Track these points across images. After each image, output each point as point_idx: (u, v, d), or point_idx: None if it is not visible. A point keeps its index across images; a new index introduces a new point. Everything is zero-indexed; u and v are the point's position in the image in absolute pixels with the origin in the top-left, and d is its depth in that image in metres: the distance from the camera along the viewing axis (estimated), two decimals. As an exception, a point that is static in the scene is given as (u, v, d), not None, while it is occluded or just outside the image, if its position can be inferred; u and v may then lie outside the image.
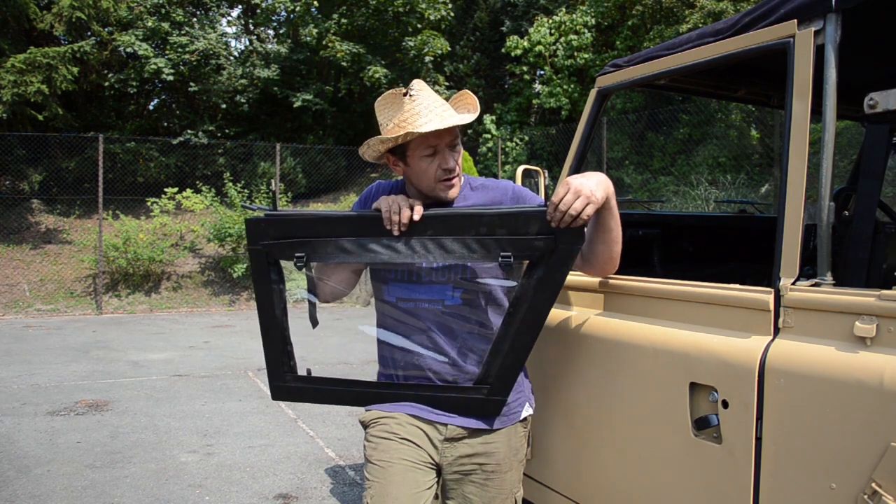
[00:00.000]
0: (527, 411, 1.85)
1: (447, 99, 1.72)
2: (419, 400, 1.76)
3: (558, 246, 1.52)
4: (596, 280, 1.91)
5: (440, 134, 1.64)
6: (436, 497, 1.80)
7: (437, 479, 1.78)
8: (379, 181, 1.89)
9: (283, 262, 1.74)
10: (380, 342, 1.85)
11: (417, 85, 1.68)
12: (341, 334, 8.32)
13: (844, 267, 1.82)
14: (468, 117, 1.66)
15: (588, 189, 1.50)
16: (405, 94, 1.67)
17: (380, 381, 1.85)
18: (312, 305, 1.77)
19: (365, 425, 1.84)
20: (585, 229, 1.57)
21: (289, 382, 1.84)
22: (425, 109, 1.63)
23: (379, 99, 1.74)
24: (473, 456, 1.76)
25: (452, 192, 1.72)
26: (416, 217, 1.57)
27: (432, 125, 1.59)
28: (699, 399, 1.61)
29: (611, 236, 1.65)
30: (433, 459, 1.75)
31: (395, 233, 1.58)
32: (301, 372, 1.83)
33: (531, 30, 15.31)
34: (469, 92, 1.73)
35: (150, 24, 14.59)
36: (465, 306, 1.72)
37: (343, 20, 15.54)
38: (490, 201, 1.75)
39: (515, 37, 15.42)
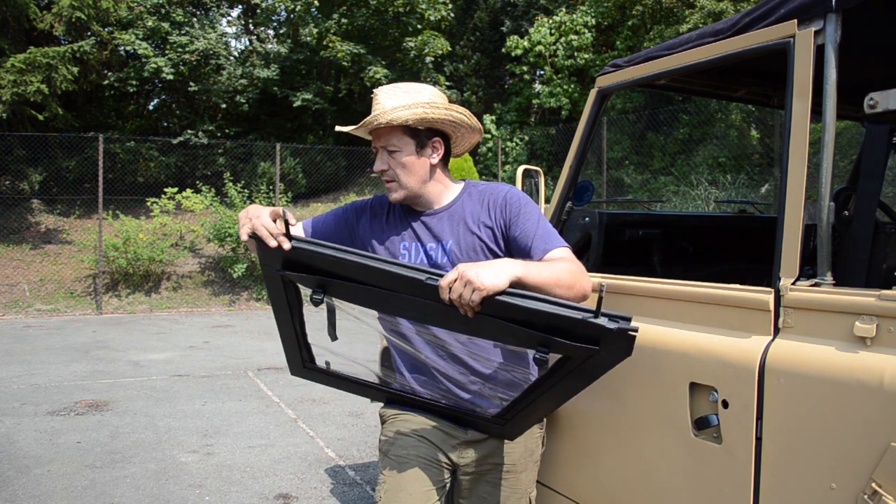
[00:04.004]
0: None
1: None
2: (438, 414, 1.76)
3: (600, 353, 1.34)
4: (595, 281, 1.91)
5: (375, 136, 1.72)
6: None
7: (450, 479, 1.79)
8: (378, 195, 1.90)
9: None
10: (393, 354, 1.84)
11: (385, 87, 1.75)
12: (343, 333, 8.31)
13: (844, 267, 1.82)
14: (376, 119, 1.64)
15: (475, 275, 1.34)
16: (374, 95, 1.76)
17: (399, 388, 1.84)
18: (332, 316, 1.65)
19: (383, 420, 1.85)
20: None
21: (307, 368, 1.83)
22: (375, 108, 1.71)
23: None
24: (490, 456, 1.77)
25: (391, 196, 1.76)
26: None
27: (368, 120, 1.69)
28: (699, 399, 1.61)
29: (546, 291, 1.46)
30: (449, 459, 1.76)
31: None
32: (320, 363, 1.82)
33: (531, 30, 15.31)
34: (458, 109, 1.72)
35: (150, 23, 14.60)
36: None
37: (343, 20, 15.54)
38: (480, 206, 1.75)
39: (515, 37, 15.42)
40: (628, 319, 1.28)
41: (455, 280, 1.34)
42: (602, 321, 1.27)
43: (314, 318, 1.82)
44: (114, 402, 5.42)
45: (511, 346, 1.66)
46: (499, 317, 1.36)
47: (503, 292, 1.34)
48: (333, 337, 1.66)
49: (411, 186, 1.72)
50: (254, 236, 1.49)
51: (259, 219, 1.49)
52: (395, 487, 1.70)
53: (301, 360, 1.80)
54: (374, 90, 1.75)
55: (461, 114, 1.72)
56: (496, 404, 1.71)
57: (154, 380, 6.25)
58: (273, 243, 1.47)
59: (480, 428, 1.75)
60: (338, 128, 1.78)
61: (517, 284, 1.38)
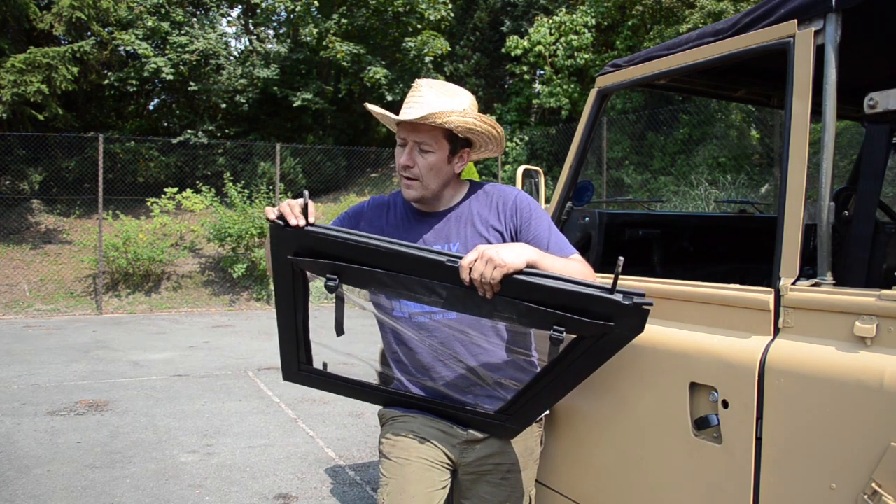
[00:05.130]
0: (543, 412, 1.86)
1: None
2: (438, 414, 1.76)
3: (614, 330, 1.39)
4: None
5: (410, 129, 1.66)
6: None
7: (451, 480, 1.78)
8: (374, 196, 1.88)
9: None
10: (391, 355, 1.83)
11: (428, 81, 1.72)
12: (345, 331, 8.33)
13: (844, 267, 1.82)
14: (434, 117, 1.60)
15: (496, 253, 1.39)
16: (416, 87, 1.72)
17: (397, 388, 1.83)
18: (340, 311, 1.63)
19: (383, 421, 1.84)
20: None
21: (302, 371, 1.81)
22: (413, 101, 1.67)
23: None
24: (491, 456, 1.76)
25: (406, 192, 1.72)
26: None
27: (403, 113, 1.65)
28: (699, 399, 1.61)
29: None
30: (450, 460, 1.76)
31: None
32: (317, 364, 1.80)
33: (531, 30, 15.31)
34: (493, 124, 1.69)
35: (150, 23, 14.61)
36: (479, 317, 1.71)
37: (343, 20, 15.55)
38: (489, 209, 1.74)
39: (515, 37, 15.41)
40: (642, 295, 1.33)
41: (476, 259, 1.39)
42: (617, 297, 1.33)
43: (313, 319, 1.81)
44: (114, 402, 5.42)
45: (528, 327, 1.66)
46: (516, 298, 1.40)
47: (521, 272, 1.39)
48: (340, 331, 1.65)
49: (432, 188, 1.71)
50: (279, 218, 1.48)
51: (285, 202, 1.50)
52: (397, 489, 1.70)
53: (297, 362, 1.78)
54: (417, 81, 1.72)
55: (498, 133, 1.72)
56: (498, 400, 1.71)
57: (154, 380, 6.25)
58: (293, 221, 1.46)
59: (482, 427, 1.74)
60: (370, 106, 1.74)
61: (532, 268, 1.43)
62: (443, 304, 1.54)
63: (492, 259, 1.37)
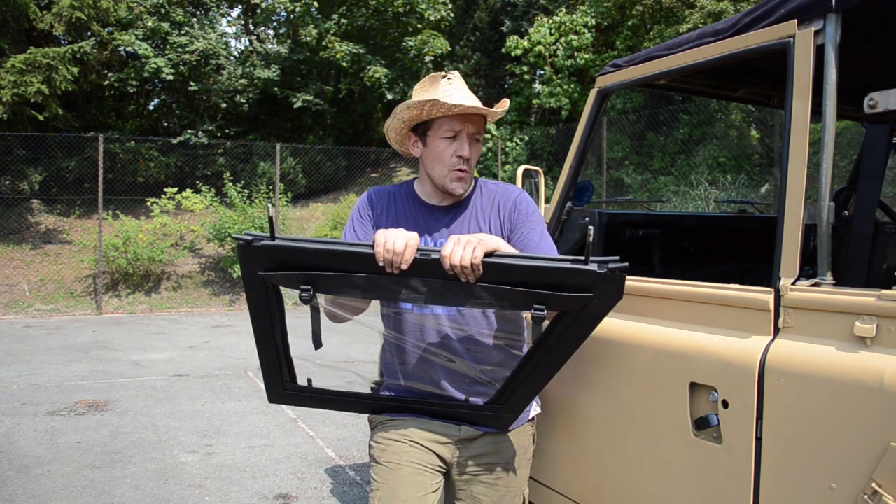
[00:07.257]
0: (535, 411, 1.86)
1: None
2: (429, 414, 1.74)
3: (594, 301, 1.40)
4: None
5: (465, 119, 1.64)
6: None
7: (443, 482, 1.77)
8: (375, 187, 1.86)
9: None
10: (387, 351, 1.82)
11: (454, 73, 1.72)
12: (342, 333, 8.31)
13: (844, 267, 1.82)
14: (496, 112, 1.67)
15: (471, 236, 1.42)
16: (444, 77, 1.70)
17: (385, 392, 1.82)
18: (317, 322, 1.58)
19: (373, 425, 1.83)
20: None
21: (287, 390, 1.78)
22: (457, 92, 1.66)
23: (418, 83, 1.76)
24: (484, 456, 1.76)
25: (461, 187, 1.70)
26: (405, 266, 1.40)
27: (459, 100, 1.62)
28: (699, 399, 1.61)
29: None
30: (442, 462, 1.75)
31: (389, 270, 1.41)
32: (301, 381, 1.76)
33: (531, 30, 15.30)
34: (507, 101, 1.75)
35: (150, 23, 14.61)
36: (481, 311, 1.71)
37: (343, 20, 15.55)
38: (491, 206, 1.75)
39: (515, 37, 15.40)
40: (616, 261, 1.35)
41: (454, 246, 1.39)
42: (592, 267, 1.34)
43: (295, 327, 1.79)
44: (114, 402, 5.42)
45: (508, 310, 1.66)
46: (494, 282, 1.42)
47: (496, 255, 1.41)
48: (318, 344, 1.60)
49: (472, 178, 1.74)
50: (240, 241, 1.44)
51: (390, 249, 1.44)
52: (388, 494, 1.69)
53: (281, 382, 1.75)
54: (448, 73, 1.71)
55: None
56: (490, 390, 1.70)
57: (154, 380, 6.25)
58: (404, 267, 1.42)
59: (475, 420, 1.73)
60: (450, 100, 1.65)
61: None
62: (421, 298, 1.53)
63: (469, 241, 1.38)
